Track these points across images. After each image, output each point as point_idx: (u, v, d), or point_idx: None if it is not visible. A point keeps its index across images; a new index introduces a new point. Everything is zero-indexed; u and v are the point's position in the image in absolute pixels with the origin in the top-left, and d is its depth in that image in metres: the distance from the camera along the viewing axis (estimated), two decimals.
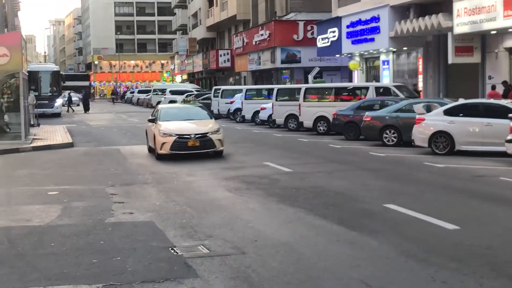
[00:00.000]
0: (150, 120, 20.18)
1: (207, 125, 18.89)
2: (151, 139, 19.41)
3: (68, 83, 61.59)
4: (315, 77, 36.64)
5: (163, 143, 18.00)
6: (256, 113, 34.05)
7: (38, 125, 32.13)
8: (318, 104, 28.13)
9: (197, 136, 18.10)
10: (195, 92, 52.10)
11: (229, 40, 60.84)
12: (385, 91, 26.21)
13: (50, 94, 45.34)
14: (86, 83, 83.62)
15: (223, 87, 43.03)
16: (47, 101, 43.75)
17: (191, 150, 18.10)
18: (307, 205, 11.15)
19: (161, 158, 18.20)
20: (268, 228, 9.49)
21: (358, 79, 36.24)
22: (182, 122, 19.08)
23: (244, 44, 51.15)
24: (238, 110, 36.91)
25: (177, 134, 17.98)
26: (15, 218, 10.47)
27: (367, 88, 27.09)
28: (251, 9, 53.45)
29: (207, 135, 18.27)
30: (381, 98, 24.90)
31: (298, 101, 28.43)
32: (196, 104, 23.03)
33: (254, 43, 48.29)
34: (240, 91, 38.24)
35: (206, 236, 8.94)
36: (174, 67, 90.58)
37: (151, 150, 19.64)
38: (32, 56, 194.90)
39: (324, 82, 35.26)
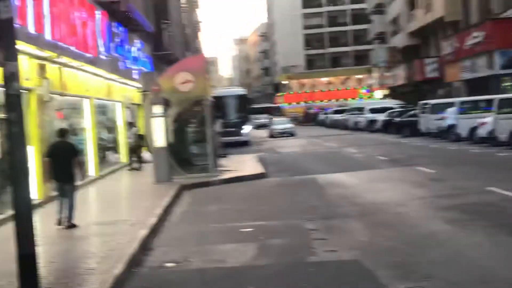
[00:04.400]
0: None
1: None
2: None
3: None
4: None
5: None
6: (474, 129, 33.00)
7: (226, 155, 33.45)
8: None
9: None
10: (398, 109, 51.69)
11: (436, 46, 59.72)
12: None
13: (238, 120, 47.00)
14: None
15: (432, 101, 42.24)
16: (235, 129, 45.33)
17: None
18: None
19: None
20: (500, 267, 9.09)
21: None
22: None
23: (454, 50, 49.93)
24: (451, 127, 36.00)
25: None
26: (209, 258, 10.92)
27: None
28: (461, 8, 52.11)
29: None
30: None
31: None
32: None
33: (466, 47, 46.97)
34: (452, 104, 37.32)
35: (424, 277, 8.75)
36: (373, 82, 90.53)
37: None
38: (216, 80, 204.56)
39: None
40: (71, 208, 14.09)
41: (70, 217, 14.07)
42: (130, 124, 28.56)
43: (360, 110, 60.05)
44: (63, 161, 14.12)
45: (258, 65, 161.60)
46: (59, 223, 14.05)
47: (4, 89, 8.53)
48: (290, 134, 57.33)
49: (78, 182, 14.75)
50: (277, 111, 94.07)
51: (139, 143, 28.19)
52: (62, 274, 9.76)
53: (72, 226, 13.98)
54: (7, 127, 8.63)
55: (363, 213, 14.46)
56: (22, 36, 15.62)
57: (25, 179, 8.69)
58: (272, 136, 57.64)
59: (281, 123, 60.19)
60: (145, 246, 11.97)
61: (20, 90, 8.68)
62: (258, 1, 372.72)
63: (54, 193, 15.21)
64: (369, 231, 12.34)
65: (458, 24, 53.26)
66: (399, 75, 68.68)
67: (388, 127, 48.51)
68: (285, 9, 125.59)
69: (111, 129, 30.62)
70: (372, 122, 54.42)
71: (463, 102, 36.61)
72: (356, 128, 58.93)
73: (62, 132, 14.88)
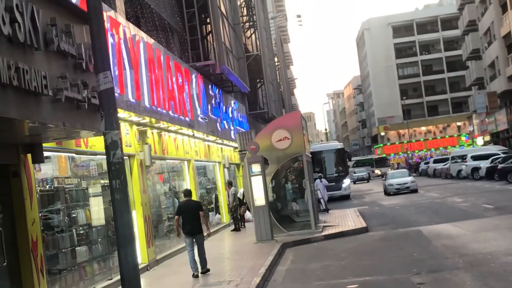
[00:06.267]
0: None
1: None
2: None
3: None
4: None
5: None
6: None
7: (327, 210, 33.24)
8: None
9: None
10: (502, 155, 50.31)
11: None
12: None
13: (337, 174, 46.88)
14: None
15: None
16: (334, 183, 45.19)
17: None
18: None
19: None
20: None
21: None
22: None
23: None
24: None
25: None
26: None
27: None
28: None
29: None
30: None
31: None
32: None
33: None
34: None
35: None
36: (473, 128, 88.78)
37: None
38: (313, 134, 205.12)
39: None
40: (203, 255, 16.35)
41: (204, 263, 16.31)
42: (229, 184, 28.81)
43: (462, 158, 58.77)
44: (191, 216, 16.35)
45: (355, 117, 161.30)
46: (197, 276, 15.85)
47: (107, 157, 8.78)
48: (411, 190, 44.84)
49: (205, 236, 16.70)
50: (381, 164, 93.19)
51: (238, 202, 28.30)
52: None
53: (207, 270, 16.23)
54: (111, 194, 8.88)
55: (471, 264, 14.07)
56: (122, 104, 16.16)
57: (130, 244, 8.89)
58: (387, 193, 45.88)
59: (398, 176, 47.22)
60: None
61: (123, 158, 8.92)
62: (350, 54, 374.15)
63: (185, 247, 16.90)
64: (479, 283, 11.98)
65: None
66: (500, 120, 67.13)
67: (492, 174, 47.16)
68: (378, 61, 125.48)
69: (212, 189, 31.01)
70: (475, 169, 53.06)
71: None
72: (459, 176, 57.67)
73: (187, 192, 17.26)
